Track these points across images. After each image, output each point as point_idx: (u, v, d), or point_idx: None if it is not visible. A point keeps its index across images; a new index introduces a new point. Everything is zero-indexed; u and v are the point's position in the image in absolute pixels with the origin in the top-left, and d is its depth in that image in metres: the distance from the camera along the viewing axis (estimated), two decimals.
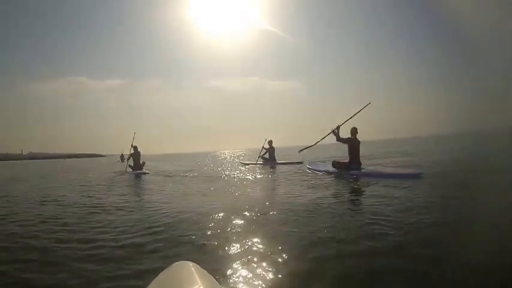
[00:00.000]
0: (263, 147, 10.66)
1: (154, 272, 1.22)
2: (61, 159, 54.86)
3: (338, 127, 6.24)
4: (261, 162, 10.80)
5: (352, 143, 6.12)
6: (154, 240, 2.40)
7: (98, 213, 3.61)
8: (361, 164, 6.17)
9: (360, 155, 6.21)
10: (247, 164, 11.71)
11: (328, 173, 6.42)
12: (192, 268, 1.07)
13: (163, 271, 1.13)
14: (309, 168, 7.50)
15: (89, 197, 4.93)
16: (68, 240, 2.54)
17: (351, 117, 6.30)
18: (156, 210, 3.62)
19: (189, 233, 2.54)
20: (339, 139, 6.17)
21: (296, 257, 1.97)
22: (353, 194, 4.36)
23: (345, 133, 6.26)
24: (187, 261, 1.15)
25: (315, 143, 7.13)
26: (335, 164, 6.41)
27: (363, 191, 4.42)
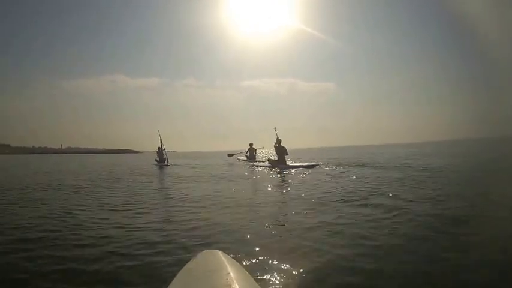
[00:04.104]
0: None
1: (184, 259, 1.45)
2: (114, 154, 63.65)
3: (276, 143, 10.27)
4: (245, 159, 15.11)
5: (279, 149, 10.12)
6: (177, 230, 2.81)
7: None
8: (285, 161, 10.13)
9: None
10: (240, 160, 16.07)
11: (266, 166, 10.52)
12: (221, 256, 1.10)
13: (191, 259, 1.16)
14: (252, 165, 11.68)
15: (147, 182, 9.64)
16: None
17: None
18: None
19: (209, 223, 3.05)
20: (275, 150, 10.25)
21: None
22: (279, 176, 8.20)
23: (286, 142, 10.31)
24: (215, 250, 1.18)
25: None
26: (270, 161, 10.50)
27: (283, 175, 8.34)
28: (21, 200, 4.80)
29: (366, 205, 3.72)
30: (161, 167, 13.07)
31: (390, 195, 4.31)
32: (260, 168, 10.36)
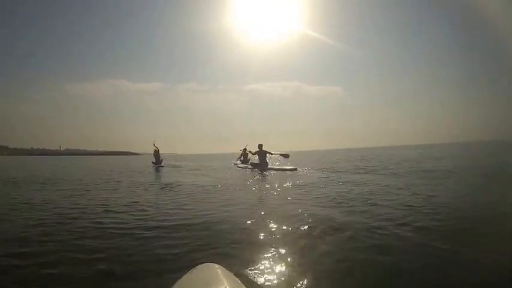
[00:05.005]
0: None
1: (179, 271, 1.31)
2: (114, 156, 63.99)
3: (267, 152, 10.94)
4: (239, 163, 15.76)
5: (261, 153, 10.76)
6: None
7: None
8: (267, 164, 10.75)
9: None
10: (236, 164, 16.75)
11: (248, 168, 11.19)
12: (218, 270, 1.07)
13: (187, 273, 1.13)
14: (237, 166, 12.39)
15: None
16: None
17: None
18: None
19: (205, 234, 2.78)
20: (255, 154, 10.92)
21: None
22: (260, 177, 8.82)
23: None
24: (212, 263, 1.15)
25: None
26: (252, 164, 11.15)
27: (264, 175, 9.00)
28: None
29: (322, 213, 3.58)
30: (157, 168, 14.20)
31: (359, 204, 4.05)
32: (241, 170, 11.12)
